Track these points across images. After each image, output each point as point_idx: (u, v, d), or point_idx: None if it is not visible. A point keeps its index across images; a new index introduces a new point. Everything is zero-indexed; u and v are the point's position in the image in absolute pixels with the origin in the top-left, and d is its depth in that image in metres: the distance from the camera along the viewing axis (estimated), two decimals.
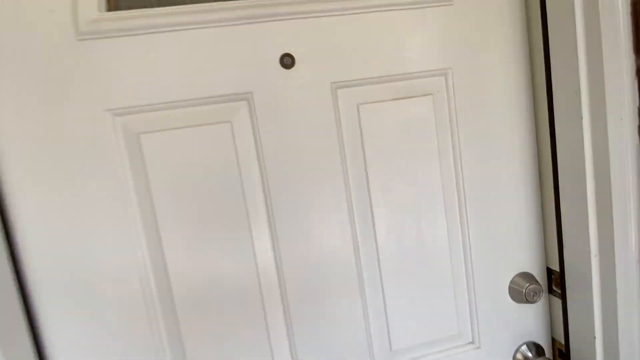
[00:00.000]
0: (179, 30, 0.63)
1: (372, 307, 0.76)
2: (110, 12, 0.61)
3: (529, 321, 0.83)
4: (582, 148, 0.66)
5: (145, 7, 0.62)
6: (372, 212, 0.73)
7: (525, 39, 0.74)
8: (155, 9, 0.62)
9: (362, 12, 0.68)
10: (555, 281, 0.81)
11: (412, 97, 0.72)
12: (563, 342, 0.80)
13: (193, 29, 0.63)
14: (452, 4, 0.71)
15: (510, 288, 0.81)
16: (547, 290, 0.83)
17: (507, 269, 0.81)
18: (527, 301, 0.78)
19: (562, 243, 0.75)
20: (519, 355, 0.84)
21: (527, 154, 0.78)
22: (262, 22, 0.65)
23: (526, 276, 0.81)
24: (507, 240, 0.79)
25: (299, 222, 0.70)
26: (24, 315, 0.62)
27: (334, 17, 0.67)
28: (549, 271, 0.82)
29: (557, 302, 0.81)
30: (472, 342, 0.82)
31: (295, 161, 0.69)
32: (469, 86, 0.73)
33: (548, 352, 0.85)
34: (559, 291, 0.79)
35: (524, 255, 0.81)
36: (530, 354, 0.83)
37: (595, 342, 0.71)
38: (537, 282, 0.80)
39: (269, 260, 0.71)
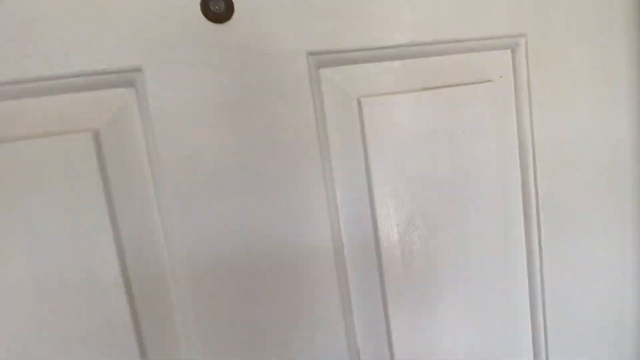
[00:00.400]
0: None
1: None
2: None
3: None
4: None
5: None
6: (385, 312, 0.41)
7: None
8: None
9: None
10: None
11: (455, 85, 0.40)
12: None
13: None
14: None
15: None
16: None
17: None
18: None
19: None
20: None
21: (636, 176, 0.47)
22: None
23: None
24: (597, 318, 0.49)
25: None
26: None
27: None
28: None
29: None
30: None
31: (227, 202, 0.35)
32: (552, 67, 0.42)
33: None
34: None
35: (623, 344, 0.50)
36: None
37: None
38: None
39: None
